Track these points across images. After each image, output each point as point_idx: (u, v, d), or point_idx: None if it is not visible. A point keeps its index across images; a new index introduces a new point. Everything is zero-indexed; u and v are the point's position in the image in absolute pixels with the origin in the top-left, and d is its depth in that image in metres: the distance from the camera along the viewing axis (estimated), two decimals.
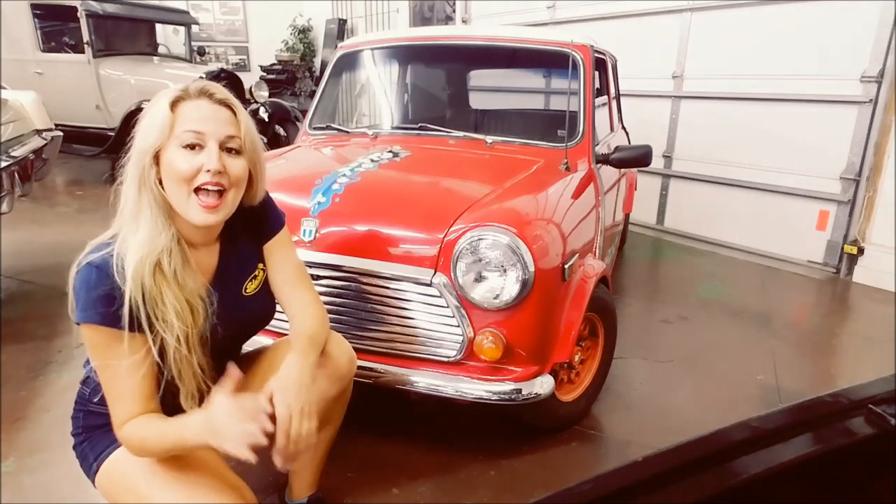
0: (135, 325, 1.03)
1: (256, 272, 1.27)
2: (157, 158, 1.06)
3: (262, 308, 1.30)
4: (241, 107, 1.13)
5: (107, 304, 1.01)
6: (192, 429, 1.01)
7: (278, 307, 1.32)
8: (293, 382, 1.11)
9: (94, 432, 1.18)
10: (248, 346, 1.40)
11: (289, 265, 1.30)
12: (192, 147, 1.05)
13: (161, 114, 1.04)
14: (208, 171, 1.04)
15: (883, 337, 2.75)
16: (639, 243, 4.27)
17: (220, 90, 1.10)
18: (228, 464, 1.18)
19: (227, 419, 0.97)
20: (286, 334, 1.54)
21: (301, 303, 1.28)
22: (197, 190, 1.05)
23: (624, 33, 4.37)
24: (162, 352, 1.06)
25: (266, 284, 1.29)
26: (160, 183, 1.07)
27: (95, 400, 1.15)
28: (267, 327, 1.38)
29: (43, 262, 3.30)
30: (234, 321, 1.20)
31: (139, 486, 1.10)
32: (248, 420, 0.97)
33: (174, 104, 1.06)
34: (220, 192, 1.07)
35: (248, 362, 1.34)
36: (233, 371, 1.05)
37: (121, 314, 1.01)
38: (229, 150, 1.09)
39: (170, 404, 1.09)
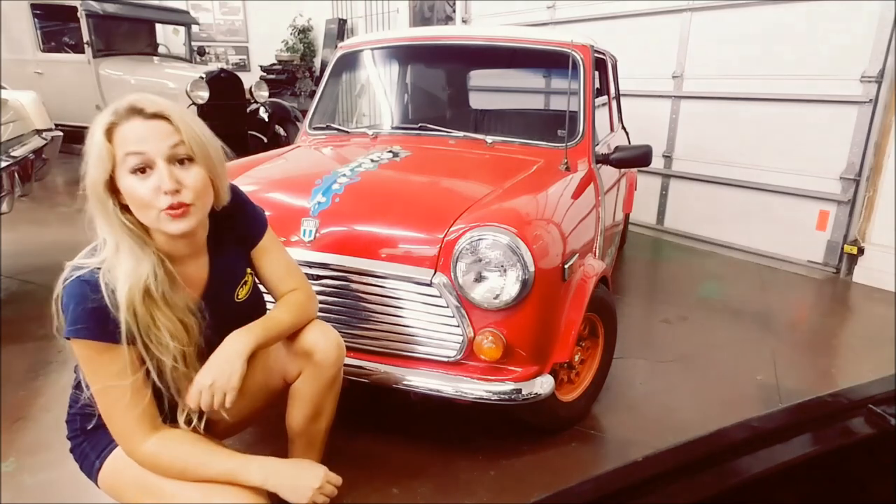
0: (131, 340, 1.03)
1: (246, 277, 1.28)
2: (112, 188, 1.03)
3: (255, 311, 1.30)
4: (177, 111, 1.05)
5: (98, 318, 1.01)
6: (251, 472, 1.06)
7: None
8: (215, 357, 1.12)
9: (93, 432, 1.18)
10: None
11: (278, 265, 1.32)
12: (142, 171, 1.01)
13: (97, 145, 1.01)
14: (165, 192, 1.01)
15: (883, 337, 2.75)
16: (639, 243, 4.27)
17: (150, 102, 1.03)
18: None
19: (291, 479, 1.08)
20: None
21: (281, 293, 1.32)
22: None
23: (624, 33, 4.37)
24: (160, 371, 1.06)
25: (255, 287, 1.31)
26: (126, 209, 1.04)
27: (90, 404, 1.14)
28: None
29: (43, 262, 3.30)
30: (230, 328, 1.21)
31: (147, 480, 1.10)
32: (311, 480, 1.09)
33: (109, 131, 1.01)
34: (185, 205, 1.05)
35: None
36: None
37: (112, 328, 1.01)
38: (181, 162, 1.04)
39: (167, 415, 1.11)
